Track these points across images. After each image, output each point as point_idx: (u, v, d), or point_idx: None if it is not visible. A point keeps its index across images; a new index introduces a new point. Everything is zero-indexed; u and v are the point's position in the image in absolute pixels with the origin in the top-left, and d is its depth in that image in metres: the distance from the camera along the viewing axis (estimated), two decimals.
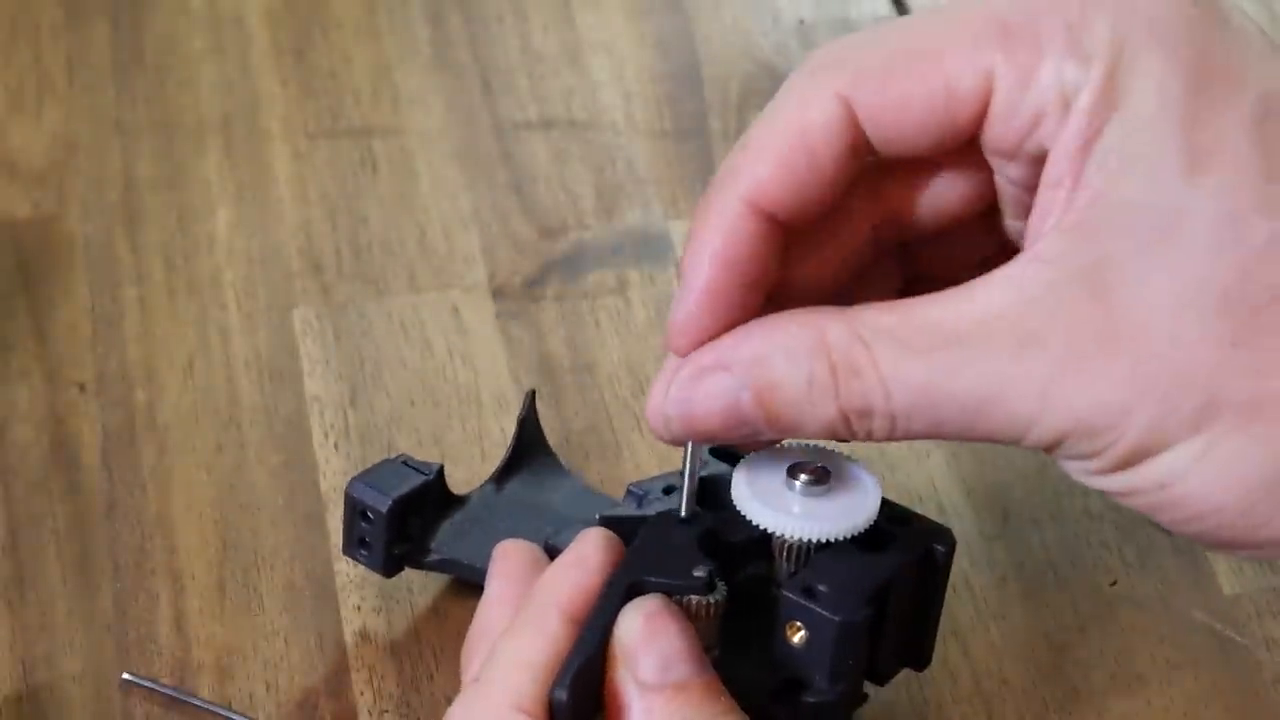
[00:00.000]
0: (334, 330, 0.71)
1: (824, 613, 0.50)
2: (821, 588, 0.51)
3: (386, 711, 0.60)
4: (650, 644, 0.50)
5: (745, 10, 0.83)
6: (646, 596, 0.51)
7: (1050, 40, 0.47)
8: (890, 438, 0.49)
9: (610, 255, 0.74)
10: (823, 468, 0.53)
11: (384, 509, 0.58)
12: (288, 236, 0.75)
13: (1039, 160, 0.49)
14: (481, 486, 0.62)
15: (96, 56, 0.82)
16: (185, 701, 0.61)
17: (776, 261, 0.51)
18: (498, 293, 0.73)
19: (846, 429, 0.49)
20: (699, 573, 0.51)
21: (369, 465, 0.61)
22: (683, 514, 0.53)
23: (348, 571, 0.64)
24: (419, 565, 0.60)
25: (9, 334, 0.71)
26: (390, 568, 0.60)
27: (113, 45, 0.82)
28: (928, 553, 0.53)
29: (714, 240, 0.50)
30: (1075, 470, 0.49)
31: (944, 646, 0.61)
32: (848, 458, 0.54)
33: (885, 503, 0.53)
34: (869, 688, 0.54)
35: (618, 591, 0.51)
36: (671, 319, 0.51)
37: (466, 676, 0.53)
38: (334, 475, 0.66)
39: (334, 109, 0.79)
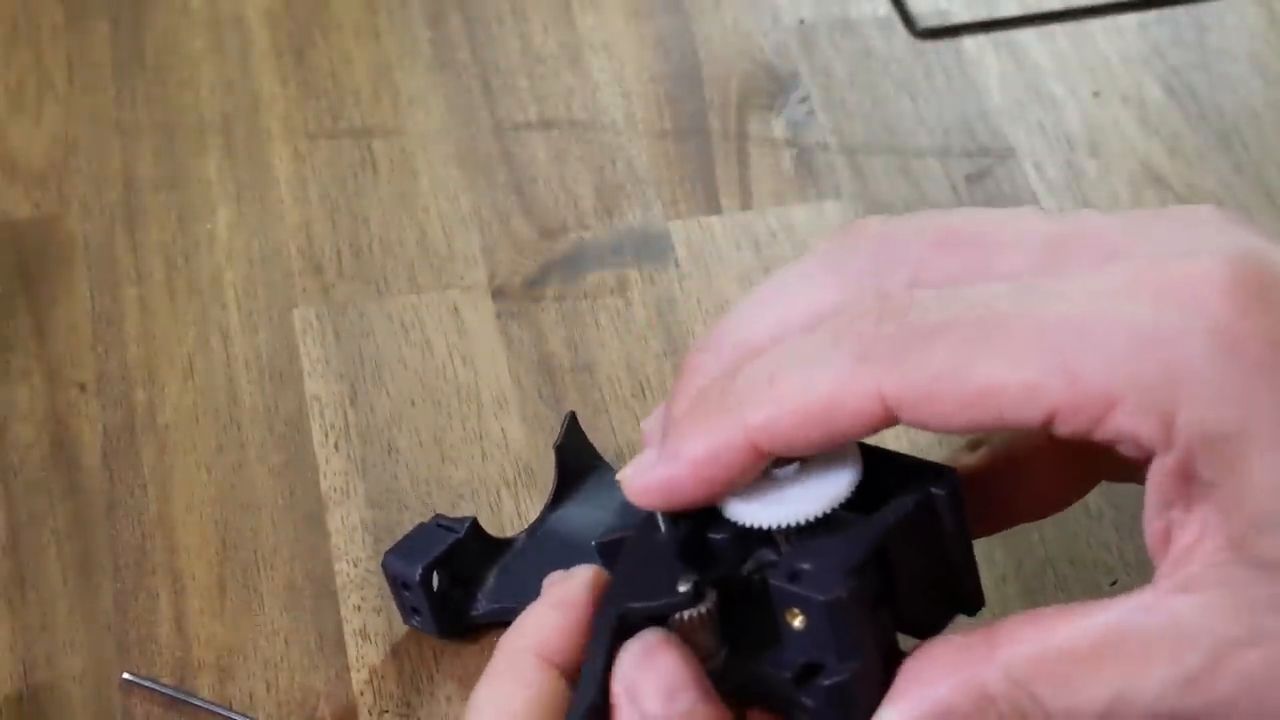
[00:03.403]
0: (334, 330, 0.71)
1: (810, 595, 0.48)
2: (805, 567, 0.49)
3: (386, 711, 0.60)
4: (651, 677, 0.48)
5: (745, 10, 0.83)
6: (643, 631, 0.49)
7: (1122, 400, 0.45)
8: None
9: (610, 255, 0.74)
10: None
11: (416, 578, 0.59)
12: (288, 236, 0.75)
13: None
14: (530, 526, 0.62)
15: (97, 56, 0.82)
16: (185, 701, 0.61)
17: (744, 481, 0.50)
18: (498, 293, 0.73)
19: None
20: (683, 587, 0.50)
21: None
22: (661, 527, 0.52)
23: (348, 571, 0.64)
24: (474, 619, 0.61)
25: (9, 334, 0.71)
26: (444, 628, 0.60)
27: (113, 45, 0.82)
28: (928, 499, 0.50)
29: (700, 453, 0.49)
30: None
31: None
32: None
33: (885, 456, 0.51)
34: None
35: (607, 627, 0.49)
36: (631, 478, 0.50)
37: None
38: (334, 475, 0.66)
39: (334, 109, 0.79)
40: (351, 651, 0.62)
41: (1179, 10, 0.83)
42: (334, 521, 0.65)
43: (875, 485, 0.50)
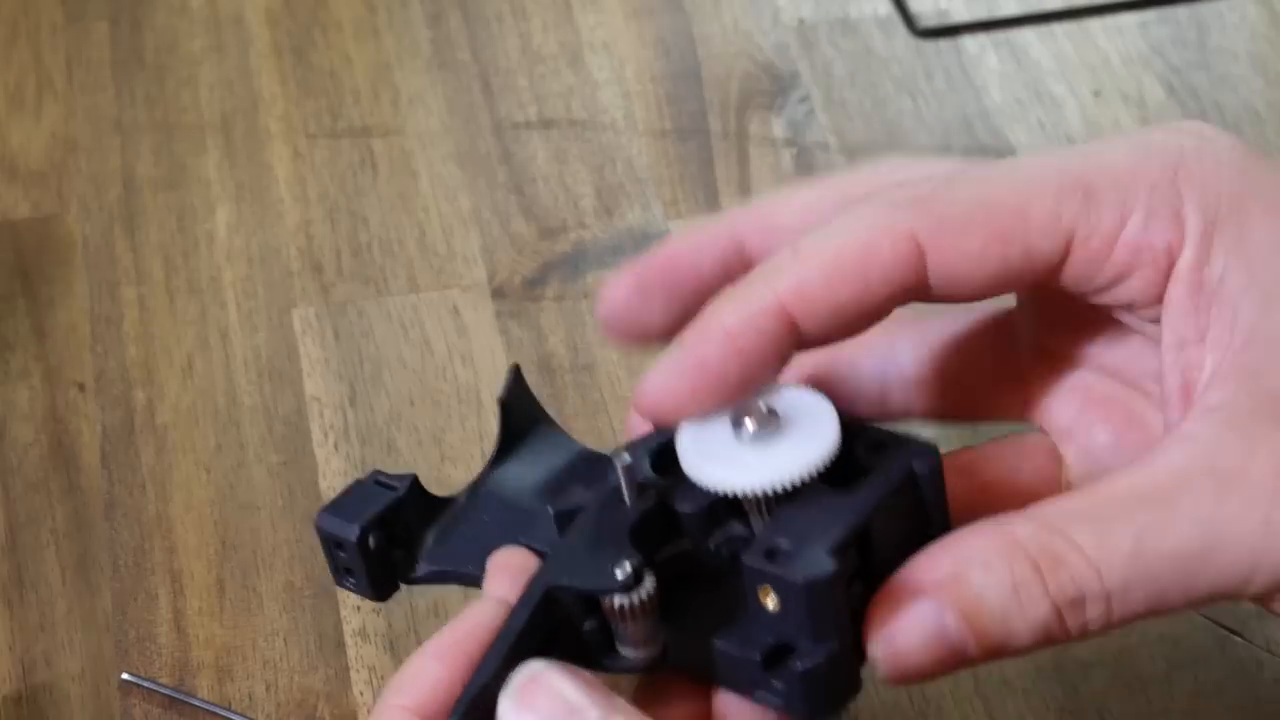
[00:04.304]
0: (334, 330, 0.71)
1: (788, 576, 0.45)
2: (783, 545, 0.46)
3: None
4: (542, 709, 0.45)
5: (745, 10, 0.83)
6: (524, 665, 0.46)
7: (1136, 200, 0.47)
8: (1108, 626, 0.46)
9: (610, 255, 0.74)
10: (770, 409, 0.48)
11: (353, 538, 0.54)
12: (287, 236, 0.75)
13: (1118, 308, 0.48)
14: (471, 484, 0.58)
15: (96, 56, 0.82)
16: (184, 702, 0.61)
17: (772, 370, 0.48)
18: (498, 292, 0.73)
19: (1061, 628, 0.46)
20: (620, 572, 0.47)
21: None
22: (625, 498, 0.49)
23: None
24: (410, 581, 0.56)
25: (8, 334, 0.71)
26: (380, 591, 0.56)
27: (112, 45, 0.82)
28: (910, 477, 0.48)
29: (731, 322, 0.47)
30: None
31: None
32: (802, 387, 0.49)
33: (864, 429, 0.49)
34: None
35: (530, 603, 0.47)
36: (650, 380, 0.48)
37: None
38: (334, 475, 0.66)
39: (334, 109, 0.79)
40: (351, 652, 0.62)
41: (1179, 9, 0.83)
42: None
43: (852, 459, 0.48)
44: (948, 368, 0.53)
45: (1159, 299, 0.48)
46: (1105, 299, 0.48)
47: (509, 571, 0.49)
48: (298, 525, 0.65)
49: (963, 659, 0.46)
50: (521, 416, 0.57)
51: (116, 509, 0.66)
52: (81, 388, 0.70)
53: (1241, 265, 0.47)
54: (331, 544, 0.55)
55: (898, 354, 0.53)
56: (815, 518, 0.46)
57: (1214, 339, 0.47)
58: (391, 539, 0.55)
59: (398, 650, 0.62)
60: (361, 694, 0.61)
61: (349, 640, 0.62)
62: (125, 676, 0.61)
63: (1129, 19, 0.83)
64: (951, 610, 0.45)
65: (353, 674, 0.61)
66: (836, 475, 0.48)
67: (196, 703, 0.60)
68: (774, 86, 0.80)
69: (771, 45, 0.82)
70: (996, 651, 0.46)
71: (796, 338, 0.47)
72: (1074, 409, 0.52)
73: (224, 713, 0.60)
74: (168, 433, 0.68)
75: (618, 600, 0.47)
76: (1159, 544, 0.45)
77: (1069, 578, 0.45)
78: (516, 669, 0.45)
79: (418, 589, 0.60)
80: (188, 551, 0.65)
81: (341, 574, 0.55)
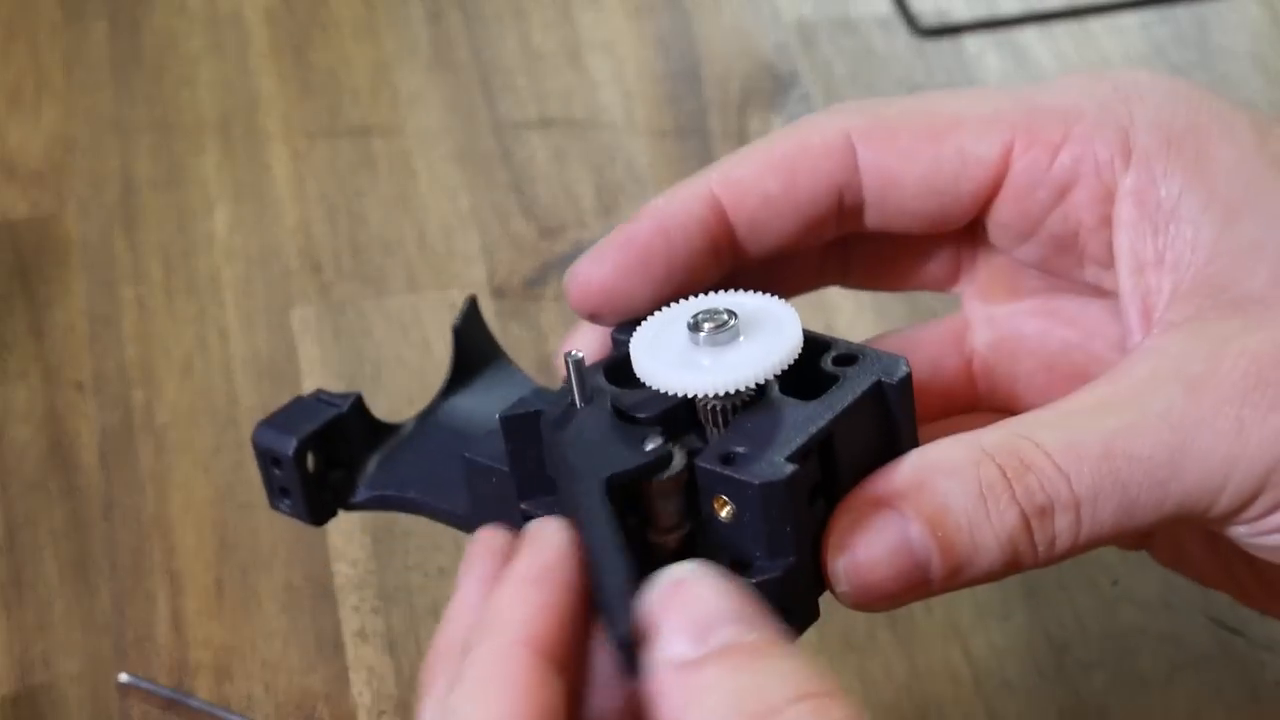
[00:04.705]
0: (333, 330, 0.71)
1: (742, 478, 0.43)
2: (739, 449, 0.43)
3: (385, 712, 0.60)
4: (681, 613, 0.40)
5: (745, 10, 0.83)
6: (673, 566, 0.41)
7: (1079, 118, 0.47)
8: (1075, 546, 0.44)
9: None
10: (728, 311, 0.45)
11: (289, 452, 0.51)
12: (286, 236, 0.75)
13: (1060, 242, 0.47)
14: (421, 413, 0.54)
15: (94, 56, 0.81)
16: (183, 703, 0.60)
17: (703, 259, 0.48)
18: (498, 292, 0.72)
19: (1029, 543, 0.44)
20: (651, 446, 0.44)
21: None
22: (578, 402, 0.46)
23: (346, 572, 0.63)
24: (350, 507, 0.53)
25: (7, 333, 0.71)
26: (317, 514, 0.52)
27: (111, 44, 0.82)
28: (877, 389, 0.45)
29: (660, 204, 0.48)
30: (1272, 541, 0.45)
31: (945, 647, 0.61)
32: (767, 295, 0.47)
33: (833, 343, 0.46)
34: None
35: (602, 504, 0.42)
36: (579, 265, 0.47)
37: (434, 694, 0.42)
38: None
39: (333, 108, 0.79)
40: (350, 653, 0.62)
41: (1180, 9, 0.83)
42: (332, 523, 0.65)
43: (820, 375, 0.46)
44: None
45: (1105, 221, 0.47)
46: (1049, 228, 0.47)
47: (488, 557, 0.44)
48: (296, 526, 0.65)
49: (927, 577, 0.44)
50: (475, 349, 0.54)
51: (115, 509, 0.66)
52: (80, 388, 0.70)
53: (1201, 184, 0.46)
54: (268, 460, 0.51)
55: None
56: (775, 425, 0.44)
57: (1173, 260, 0.46)
58: (332, 460, 0.52)
59: (397, 651, 0.61)
60: (361, 694, 0.61)
61: (348, 641, 0.62)
62: (123, 677, 0.61)
63: (1130, 18, 0.83)
64: (916, 520, 0.43)
65: (352, 675, 0.61)
66: (804, 389, 0.45)
67: (195, 703, 0.60)
68: (774, 86, 0.80)
69: (771, 45, 0.82)
70: (962, 568, 0.44)
71: (727, 228, 0.47)
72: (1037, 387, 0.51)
73: (223, 713, 0.60)
74: (166, 433, 0.68)
75: (664, 475, 0.44)
76: (1129, 447, 0.43)
77: (1037, 483, 0.43)
78: (659, 573, 0.41)
79: (417, 589, 0.60)
80: (186, 552, 0.65)
81: (277, 495, 0.52)
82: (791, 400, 0.45)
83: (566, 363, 0.46)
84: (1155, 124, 0.47)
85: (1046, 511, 0.43)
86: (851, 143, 0.48)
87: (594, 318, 0.48)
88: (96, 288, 0.73)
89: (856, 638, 0.61)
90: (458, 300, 0.72)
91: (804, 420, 0.44)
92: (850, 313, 0.71)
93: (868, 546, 0.43)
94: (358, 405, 0.52)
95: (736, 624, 0.40)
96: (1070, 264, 0.49)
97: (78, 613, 0.63)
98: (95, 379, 0.70)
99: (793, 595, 0.43)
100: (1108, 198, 0.47)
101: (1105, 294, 0.49)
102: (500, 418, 0.47)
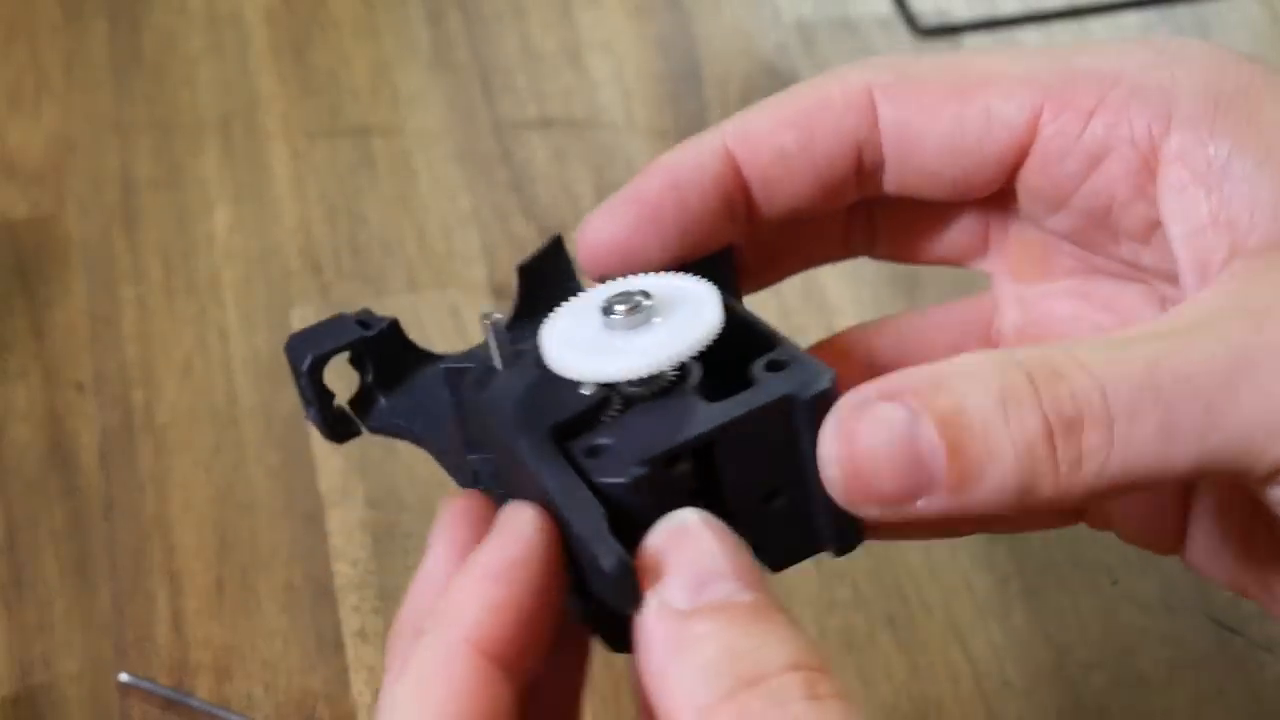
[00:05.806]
0: None
1: (590, 474, 0.40)
2: (605, 443, 0.41)
3: None
4: (680, 560, 0.39)
5: (745, 10, 0.83)
6: (679, 511, 0.40)
7: (1115, 83, 0.44)
8: (1103, 470, 0.39)
9: None
10: (641, 293, 0.43)
11: (304, 367, 0.50)
12: (286, 236, 0.75)
13: (1094, 215, 0.45)
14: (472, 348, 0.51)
15: (94, 55, 0.81)
16: (183, 703, 0.60)
17: (714, 215, 0.45)
18: (497, 292, 0.72)
19: (1050, 457, 0.39)
20: (587, 390, 0.42)
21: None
22: (498, 365, 0.45)
23: (346, 572, 0.63)
24: (371, 429, 0.51)
25: (7, 334, 0.71)
26: (333, 431, 0.51)
27: (111, 44, 0.82)
28: (784, 403, 0.41)
29: (673, 159, 0.45)
30: None
31: (945, 647, 0.61)
32: (696, 279, 0.44)
33: (778, 345, 0.43)
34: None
35: (550, 446, 0.41)
36: (590, 221, 0.45)
37: (389, 677, 0.41)
38: (332, 475, 0.66)
39: (333, 108, 0.79)
40: (350, 652, 0.62)
41: (1180, 9, 0.83)
42: (332, 522, 0.65)
43: (751, 377, 0.42)
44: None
45: (1140, 194, 0.45)
46: (1081, 200, 0.45)
47: (458, 524, 0.43)
48: (297, 525, 0.65)
49: (930, 481, 0.39)
50: (553, 286, 0.50)
51: (115, 509, 0.66)
52: (80, 388, 0.69)
53: (1253, 144, 0.43)
54: (294, 370, 0.51)
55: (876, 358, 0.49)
56: (661, 423, 0.41)
57: (1228, 220, 0.43)
58: (379, 379, 0.51)
59: None
60: (361, 694, 0.61)
61: (348, 641, 0.62)
62: (123, 677, 0.61)
63: (1130, 18, 0.83)
64: (927, 415, 0.39)
65: (351, 674, 0.61)
66: (721, 387, 0.42)
67: (195, 703, 0.60)
68: (774, 86, 0.80)
69: (771, 45, 0.82)
70: (970, 477, 0.39)
71: (741, 185, 0.45)
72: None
73: (223, 713, 0.60)
74: (166, 433, 0.68)
75: (609, 413, 0.42)
76: (1177, 365, 0.39)
77: (1068, 392, 0.39)
78: (665, 518, 0.40)
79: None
80: (186, 552, 0.65)
81: (306, 403, 0.51)
82: (698, 400, 0.42)
83: (484, 325, 0.45)
84: (1202, 86, 0.44)
85: (1075, 426, 0.39)
86: (873, 100, 0.45)
87: (604, 278, 0.45)
88: (96, 288, 0.73)
89: (856, 638, 0.61)
90: (458, 300, 0.72)
91: (693, 421, 0.41)
92: (851, 315, 0.71)
93: (869, 435, 0.39)
94: (391, 329, 0.51)
95: (735, 581, 0.38)
96: (1105, 238, 0.46)
97: (78, 613, 0.63)
98: (95, 379, 0.70)
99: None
100: (1143, 169, 0.44)
101: (1142, 276, 0.47)
102: (443, 369, 0.46)
